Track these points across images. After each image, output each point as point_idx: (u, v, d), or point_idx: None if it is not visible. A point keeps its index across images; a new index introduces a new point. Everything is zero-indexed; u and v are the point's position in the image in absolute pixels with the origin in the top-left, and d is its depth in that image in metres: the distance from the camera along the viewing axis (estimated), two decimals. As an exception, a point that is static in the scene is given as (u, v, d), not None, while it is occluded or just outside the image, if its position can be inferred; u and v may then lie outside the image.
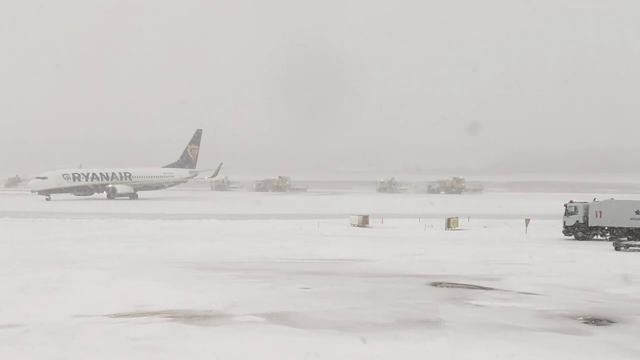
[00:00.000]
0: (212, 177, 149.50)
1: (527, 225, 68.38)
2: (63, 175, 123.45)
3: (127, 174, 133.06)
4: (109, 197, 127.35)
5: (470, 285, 35.65)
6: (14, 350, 22.54)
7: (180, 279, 36.93)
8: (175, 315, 27.72)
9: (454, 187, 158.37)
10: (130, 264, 42.56)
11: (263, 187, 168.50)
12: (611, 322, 27.66)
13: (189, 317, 27.51)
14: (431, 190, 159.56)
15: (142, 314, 27.93)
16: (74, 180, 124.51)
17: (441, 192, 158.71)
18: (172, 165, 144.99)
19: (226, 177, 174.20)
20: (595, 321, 27.67)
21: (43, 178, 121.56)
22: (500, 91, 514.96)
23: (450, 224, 70.74)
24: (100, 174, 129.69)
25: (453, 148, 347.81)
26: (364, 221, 73.72)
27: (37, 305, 29.45)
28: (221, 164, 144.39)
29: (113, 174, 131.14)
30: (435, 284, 35.87)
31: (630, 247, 53.59)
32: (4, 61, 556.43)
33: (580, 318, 28.25)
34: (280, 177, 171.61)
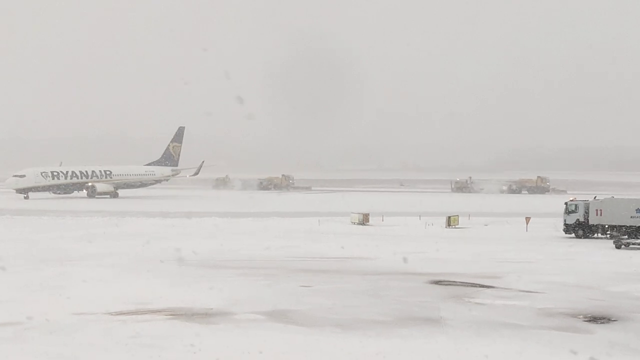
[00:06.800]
0: (194, 175, 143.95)
1: (527, 224, 68.24)
2: (42, 173, 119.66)
3: (108, 172, 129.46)
4: (89, 195, 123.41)
5: (471, 283, 35.67)
6: (15, 348, 22.57)
7: (181, 276, 36.96)
8: (176, 313, 27.75)
9: None
10: (132, 262, 42.58)
11: (516, 189, 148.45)
12: (612, 320, 27.66)
13: (190, 315, 27.54)
14: None
15: (143, 312, 27.96)
16: (53, 179, 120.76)
17: None
18: (154, 163, 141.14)
19: (470, 177, 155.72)
20: (596, 319, 27.68)
21: (21, 176, 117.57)
22: (500, 90, 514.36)
23: (450, 222, 70.68)
24: (80, 172, 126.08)
25: (453, 146, 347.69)
26: (364, 219, 73.70)
27: (38, 303, 29.48)
28: (203, 161, 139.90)
29: (93, 172, 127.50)
30: (436, 282, 35.90)
31: (630, 245, 53.59)
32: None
33: (581, 316, 28.25)
34: (539, 177, 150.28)
